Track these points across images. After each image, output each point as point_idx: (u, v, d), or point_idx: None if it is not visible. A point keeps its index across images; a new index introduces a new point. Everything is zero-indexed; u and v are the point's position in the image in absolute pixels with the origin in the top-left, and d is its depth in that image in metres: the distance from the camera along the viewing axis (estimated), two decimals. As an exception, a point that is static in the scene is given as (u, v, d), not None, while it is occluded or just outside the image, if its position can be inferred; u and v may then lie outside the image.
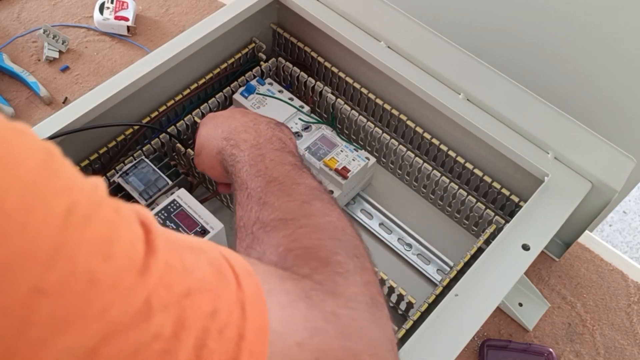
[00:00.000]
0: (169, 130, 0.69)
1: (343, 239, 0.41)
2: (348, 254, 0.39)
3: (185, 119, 0.70)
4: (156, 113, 0.69)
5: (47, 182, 0.22)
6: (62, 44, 0.89)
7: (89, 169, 0.66)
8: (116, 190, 0.65)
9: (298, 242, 0.40)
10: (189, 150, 0.68)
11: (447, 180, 0.67)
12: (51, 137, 0.60)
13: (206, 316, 0.25)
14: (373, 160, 0.69)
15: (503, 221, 0.65)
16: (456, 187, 0.67)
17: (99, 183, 0.26)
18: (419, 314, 0.58)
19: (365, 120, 0.71)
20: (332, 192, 0.66)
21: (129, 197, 0.64)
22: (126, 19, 0.91)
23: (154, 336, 0.24)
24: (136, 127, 0.68)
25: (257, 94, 0.72)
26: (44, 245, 0.21)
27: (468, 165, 0.67)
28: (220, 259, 0.28)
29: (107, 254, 0.23)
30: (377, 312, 0.36)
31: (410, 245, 0.68)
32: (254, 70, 0.75)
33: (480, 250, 0.60)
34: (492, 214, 0.65)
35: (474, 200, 0.66)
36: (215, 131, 0.56)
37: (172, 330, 0.24)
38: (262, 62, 0.76)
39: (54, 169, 0.23)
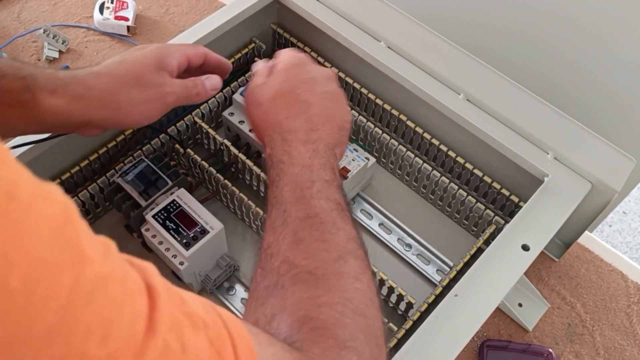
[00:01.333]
0: (168, 130, 0.69)
1: (368, 315, 0.39)
2: (367, 339, 0.38)
3: (185, 119, 0.70)
4: (156, 113, 0.69)
5: (56, 257, 0.21)
6: (62, 43, 0.89)
7: (89, 169, 0.66)
8: (116, 191, 0.65)
9: (320, 311, 0.38)
10: (188, 150, 0.68)
11: (447, 181, 0.67)
12: (51, 137, 0.60)
13: None
14: (373, 160, 0.69)
15: (503, 221, 0.65)
16: (456, 187, 0.67)
17: (110, 246, 0.25)
18: (418, 314, 0.58)
19: (365, 120, 0.71)
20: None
21: (128, 197, 0.64)
22: (126, 19, 0.91)
23: None
24: (136, 127, 0.68)
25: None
26: (41, 328, 0.21)
27: (468, 165, 0.67)
28: (223, 336, 0.27)
29: (105, 335, 0.22)
30: None
31: (410, 246, 0.68)
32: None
33: (480, 251, 0.60)
34: (492, 214, 0.65)
35: (474, 200, 0.66)
36: (280, 111, 0.50)
37: None
38: (262, 62, 0.76)
39: (65, 240, 0.22)
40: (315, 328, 0.37)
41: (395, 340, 0.56)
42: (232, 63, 0.75)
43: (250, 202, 0.64)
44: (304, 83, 0.53)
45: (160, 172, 0.64)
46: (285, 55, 0.56)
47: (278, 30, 0.79)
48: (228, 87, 0.73)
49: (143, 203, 0.62)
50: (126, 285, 0.24)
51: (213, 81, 0.58)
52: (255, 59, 0.78)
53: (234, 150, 0.68)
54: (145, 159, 0.65)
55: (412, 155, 0.69)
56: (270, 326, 0.38)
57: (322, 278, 0.40)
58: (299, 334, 0.36)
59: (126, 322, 0.23)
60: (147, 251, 0.65)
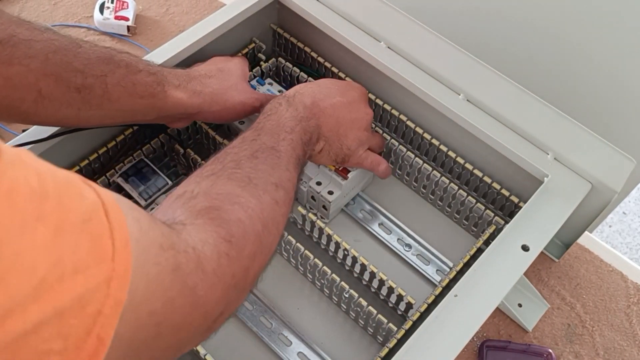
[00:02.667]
0: (168, 130, 0.69)
1: (270, 229, 0.45)
2: (253, 243, 0.43)
3: (185, 119, 0.70)
4: (156, 113, 0.69)
5: None
6: (62, 43, 0.89)
7: (89, 169, 0.66)
8: (116, 190, 0.65)
9: (232, 207, 0.43)
10: (188, 150, 0.68)
11: (447, 181, 0.67)
12: (51, 137, 0.60)
13: (73, 297, 0.25)
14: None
15: (503, 222, 0.65)
16: (456, 187, 0.67)
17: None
18: (418, 314, 0.58)
19: (368, 126, 0.71)
20: (331, 192, 0.66)
21: (128, 197, 0.64)
22: (126, 19, 0.91)
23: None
24: (136, 127, 0.68)
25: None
26: None
27: (468, 165, 0.67)
28: (104, 230, 0.28)
29: None
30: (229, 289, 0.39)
31: (409, 246, 0.68)
32: (254, 71, 0.75)
33: (479, 251, 0.60)
34: (492, 214, 0.65)
35: (474, 200, 0.66)
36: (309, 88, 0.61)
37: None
38: (262, 63, 0.76)
39: None
40: (216, 218, 0.41)
41: (394, 341, 0.56)
42: (232, 63, 0.76)
43: (250, 202, 0.64)
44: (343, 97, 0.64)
45: (160, 172, 0.64)
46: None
47: (278, 30, 0.79)
48: (228, 87, 0.73)
49: (143, 203, 0.63)
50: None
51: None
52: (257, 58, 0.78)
53: (233, 150, 0.68)
54: (145, 159, 0.65)
55: (412, 156, 0.69)
56: (189, 203, 0.43)
57: (254, 186, 0.46)
58: (197, 219, 0.41)
59: None
60: (146, 251, 0.65)
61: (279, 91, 0.72)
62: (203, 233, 0.39)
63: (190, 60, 0.69)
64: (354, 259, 0.62)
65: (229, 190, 0.45)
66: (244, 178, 0.46)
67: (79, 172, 0.65)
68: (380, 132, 0.70)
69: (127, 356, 0.30)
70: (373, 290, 0.64)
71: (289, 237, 0.62)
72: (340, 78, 0.74)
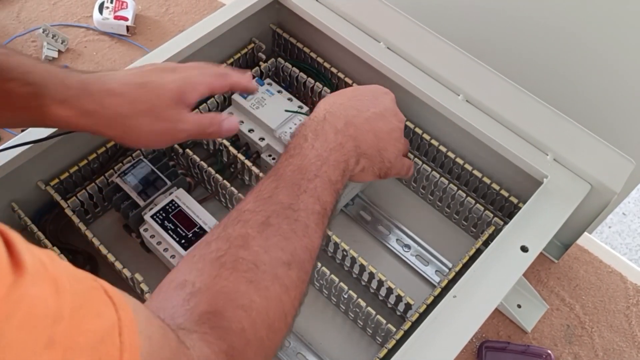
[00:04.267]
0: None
1: (274, 329, 0.42)
2: (255, 355, 0.40)
3: (184, 119, 0.70)
4: (155, 113, 0.69)
5: None
6: (62, 43, 0.89)
7: (88, 169, 0.66)
8: (114, 191, 0.65)
9: (235, 313, 0.40)
10: (187, 150, 0.68)
11: (446, 182, 0.67)
12: (50, 137, 0.60)
13: None
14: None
15: (502, 222, 0.65)
16: (455, 188, 0.67)
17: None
18: (417, 315, 0.58)
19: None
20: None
21: (127, 198, 0.64)
22: (125, 19, 0.91)
23: None
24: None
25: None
26: None
27: (467, 166, 0.67)
28: (115, 352, 0.27)
29: None
30: None
31: (408, 246, 0.68)
32: (253, 71, 0.75)
33: (479, 252, 0.60)
34: (491, 215, 0.65)
35: (473, 201, 0.66)
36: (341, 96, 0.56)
37: None
38: (261, 63, 0.76)
39: None
40: (217, 328, 0.39)
41: (393, 341, 0.56)
42: (231, 63, 0.75)
43: (249, 202, 0.64)
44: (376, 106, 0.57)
45: (159, 172, 0.64)
46: None
47: (278, 30, 0.79)
48: (227, 87, 0.73)
49: (142, 203, 0.62)
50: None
51: (231, 125, 0.58)
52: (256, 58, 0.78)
53: (233, 150, 0.68)
54: (144, 159, 0.65)
55: (411, 156, 0.69)
56: (190, 302, 0.39)
57: (260, 277, 0.42)
58: (199, 326, 0.38)
59: None
60: (145, 251, 0.65)
61: (278, 91, 0.72)
62: (206, 348, 0.37)
63: (190, 60, 0.69)
64: (353, 260, 0.62)
65: (233, 288, 0.41)
66: (250, 266, 0.42)
67: (78, 172, 0.65)
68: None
69: None
70: (372, 290, 0.64)
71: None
72: (339, 78, 0.74)
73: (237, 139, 0.72)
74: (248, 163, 0.66)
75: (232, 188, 0.65)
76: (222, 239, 0.43)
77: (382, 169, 0.56)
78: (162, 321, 0.35)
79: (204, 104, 0.71)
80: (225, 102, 0.74)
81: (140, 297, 0.58)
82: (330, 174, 0.49)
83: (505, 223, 0.63)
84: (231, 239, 0.43)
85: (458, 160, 0.68)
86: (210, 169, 0.66)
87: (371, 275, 0.61)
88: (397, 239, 0.69)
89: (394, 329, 0.57)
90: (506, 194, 0.65)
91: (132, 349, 0.28)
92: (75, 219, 0.62)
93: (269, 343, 0.41)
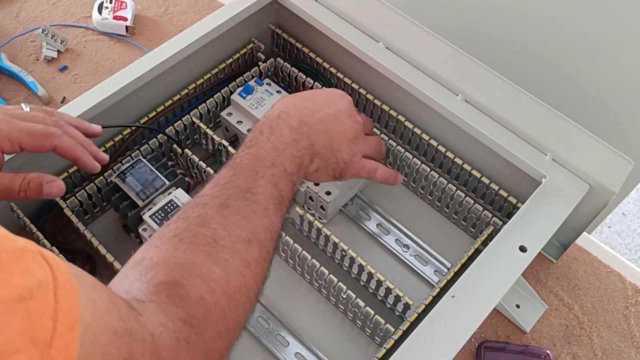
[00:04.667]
0: (166, 130, 0.69)
1: (236, 300, 0.41)
2: (217, 323, 0.40)
3: (183, 119, 0.70)
4: (154, 113, 0.69)
5: None
6: (61, 43, 0.89)
7: (87, 169, 0.66)
8: (113, 191, 0.65)
9: (193, 282, 0.39)
10: (186, 150, 0.68)
11: (445, 182, 0.67)
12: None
13: None
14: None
15: (501, 222, 0.65)
16: (454, 188, 0.67)
17: None
18: (415, 315, 0.58)
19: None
20: (329, 193, 0.66)
21: (126, 198, 0.64)
22: (125, 19, 0.91)
23: None
24: (134, 128, 0.68)
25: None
26: None
27: (466, 166, 0.67)
28: (47, 310, 0.26)
29: None
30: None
31: (407, 247, 0.68)
32: (252, 71, 0.75)
33: (477, 252, 0.60)
34: (490, 215, 0.65)
35: (472, 201, 0.66)
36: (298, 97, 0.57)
37: None
38: (260, 63, 0.76)
39: None
40: (175, 296, 0.38)
41: (392, 341, 0.56)
42: (231, 63, 0.75)
43: (248, 202, 0.64)
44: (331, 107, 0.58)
45: (157, 172, 0.64)
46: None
47: (277, 30, 0.79)
48: (226, 88, 0.73)
49: (140, 203, 0.62)
50: None
51: (53, 189, 0.54)
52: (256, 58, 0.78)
53: (232, 150, 0.68)
54: (143, 159, 0.65)
55: (410, 156, 0.69)
56: (147, 275, 0.39)
57: (218, 249, 0.42)
58: (155, 296, 0.38)
59: None
60: (144, 251, 0.65)
61: (277, 91, 0.72)
62: (163, 315, 0.37)
63: (189, 60, 0.69)
64: (352, 260, 0.62)
65: (191, 260, 0.41)
66: (209, 241, 0.42)
67: (77, 172, 0.65)
68: (379, 132, 0.70)
69: None
70: (371, 291, 0.64)
71: (287, 237, 0.62)
72: (338, 78, 0.74)
73: (236, 139, 0.72)
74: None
75: (231, 188, 0.65)
76: (180, 220, 0.44)
77: (336, 169, 0.57)
78: (111, 290, 0.34)
79: (203, 104, 0.71)
80: (224, 102, 0.74)
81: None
82: (286, 165, 0.50)
83: (504, 223, 0.63)
84: (189, 219, 0.43)
85: (457, 160, 0.68)
86: (209, 169, 0.66)
87: (370, 275, 0.61)
88: (396, 239, 0.69)
89: (393, 329, 0.57)
90: (505, 194, 0.65)
91: (69, 310, 0.26)
92: (74, 219, 0.62)
93: (231, 314, 0.41)
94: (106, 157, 0.59)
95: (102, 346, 0.29)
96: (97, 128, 0.60)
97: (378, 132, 0.70)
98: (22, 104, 0.56)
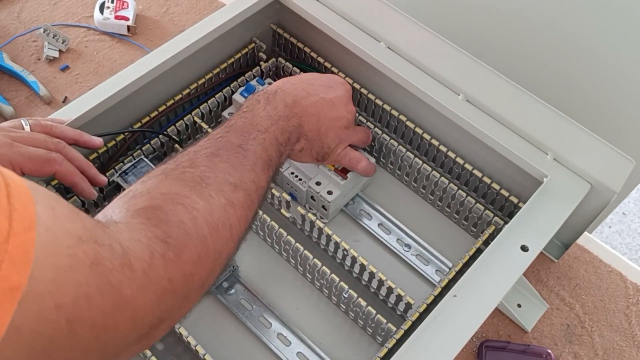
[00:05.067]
0: (168, 130, 0.69)
1: (219, 232, 0.41)
2: (196, 248, 0.39)
3: (185, 119, 0.71)
4: (156, 113, 0.69)
5: None
6: (62, 43, 0.89)
7: (89, 169, 0.66)
8: (115, 190, 0.65)
9: (173, 208, 0.39)
10: (188, 150, 0.68)
11: (447, 181, 0.67)
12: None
13: None
14: (372, 160, 0.69)
15: (502, 222, 0.65)
16: (455, 187, 0.67)
17: None
18: (417, 314, 0.58)
19: (364, 120, 0.71)
20: (331, 192, 0.66)
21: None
22: (126, 19, 0.91)
23: None
24: (136, 128, 0.68)
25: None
26: None
27: (467, 166, 0.67)
28: (1, 211, 0.26)
29: None
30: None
31: (409, 246, 0.68)
32: (253, 71, 0.75)
33: (479, 251, 0.60)
34: (491, 214, 0.65)
35: (473, 201, 0.66)
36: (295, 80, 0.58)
37: None
38: (262, 62, 0.76)
39: None
40: (153, 218, 0.38)
41: (393, 341, 0.56)
42: (232, 63, 0.76)
43: (249, 202, 0.64)
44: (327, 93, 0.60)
45: (159, 172, 0.64)
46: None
47: (278, 30, 0.79)
48: (228, 87, 0.73)
49: (142, 203, 0.63)
50: None
51: None
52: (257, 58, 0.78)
53: (233, 150, 0.68)
54: (145, 159, 0.65)
55: (412, 156, 0.69)
56: (129, 202, 0.39)
57: (205, 186, 0.42)
58: (133, 219, 0.37)
59: None
60: (146, 251, 0.65)
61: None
62: (136, 232, 0.36)
63: (190, 60, 0.70)
64: (354, 259, 0.62)
65: (175, 191, 0.41)
66: (195, 178, 0.42)
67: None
68: (380, 132, 0.70)
69: (35, 352, 0.28)
70: (372, 290, 0.64)
71: (289, 237, 0.62)
72: (340, 78, 0.74)
73: (237, 139, 0.72)
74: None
75: (233, 188, 0.65)
76: (170, 162, 0.45)
77: (320, 153, 0.60)
78: (73, 206, 0.33)
79: (205, 104, 0.72)
80: (226, 102, 0.74)
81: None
82: (278, 135, 0.52)
83: (506, 222, 0.63)
84: (178, 162, 0.44)
85: (458, 160, 0.68)
86: (210, 168, 0.66)
87: (371, 275, 0.61)
88: (397, 239, 0.69)
89: (394, 329, 0.58)
90: (506, 194, 0.65)
91: (24, 212, 0.27)
92: (76, 219, 0.62)
93: (212, 244, 0.40)
94: (105, 179, 0.61)
95: (64, 248, 0.29)
96: (97, 141, 0.61)
97: (379, 132, 0.70)
98: (22, 121, 0.57)
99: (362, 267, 0.62)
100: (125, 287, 0.33)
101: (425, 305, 0.58)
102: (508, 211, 0.67)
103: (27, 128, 0.56)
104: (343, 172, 0.66)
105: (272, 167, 0.50)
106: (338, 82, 0.62)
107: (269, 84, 0.73)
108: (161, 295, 0.36)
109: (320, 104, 0.58)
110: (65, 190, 0.60)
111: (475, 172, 0.67)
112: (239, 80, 0.74)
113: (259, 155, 0.49)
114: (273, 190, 0.65)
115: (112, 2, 0.92)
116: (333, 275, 0.60)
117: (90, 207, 0.66)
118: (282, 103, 0.55)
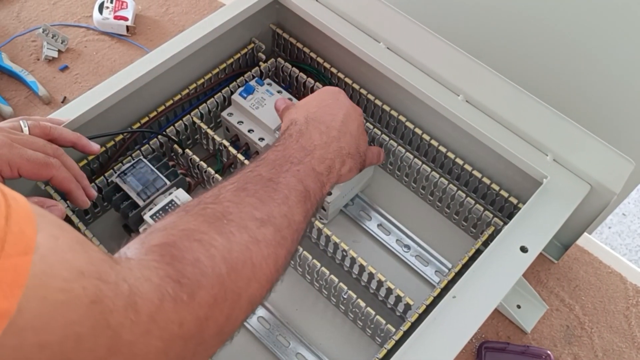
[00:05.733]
0: (167, 130, 0.69)
1: (239, 272, 0.38)
2: (212, 290, 0.36)
3: (184, 119, 0.70)
4: (155, 113, 0.69)
5: None
6: (62, 43, 0.89)
7: (87, 169, 0.66)
8: (114, 191, 0.65)
9: (189, 245, 0.36)
10: (187, 150, 0.68)
11: (446, 182, 0.67)
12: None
13: None
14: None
15: (501, 223, 0.65)
16: (455, 188, 0.67)
17: None
18: (416, 315, 0.58)
19: (364, 121, 0.71)
20: (330, 193, 0.66)
21: (126, 198, 0.64)
22: (125, 19, 0.91)
23: None
24: (135, 128, 0.68)
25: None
26: None
27: (467, 166, 0.67)
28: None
29: None
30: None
31: (408, 247, 0.68)
32: (253, 71, 0.75)
33: (478, 252, 0.60)
34: (491, 215, 0.65)
35: (473, 201, 0.66)
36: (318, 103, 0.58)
37: None
38: (261, 63, 0.76)
39: None
40: (167, 255, 0.35)
41: (393, 342, 0.56)
42: (231, 63, 0.75)
43: (248, 202, 0.64)
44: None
45: (158, 172, 0.64)
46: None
47: (277, 30, 0.79)
48: (227, 88, 0.73)
49: (141, 203, 0.62)
50: None
51: (55, 212, 0.55)
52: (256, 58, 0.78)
53: (232, 150, 0.68)
54: (144, 159, 0.65)
55: (411, 157, 0.69)
56: (145, 239, 0.37)
57: (225, 222, 0.39)
58: (146, 256, 0.35)
59: None
60: (145, 251, 0.65)
61: (278, 92, 0.72)
62: (147, 270, 0.33)
63: (190, 60, 0.69)
64: (353, 260, 0.62)
65: (192, 227, 0.38)
66: (216, 214, 0.40)
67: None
68: (380, 132, 0.70)
69: None
70: (372, 291, 0.64)
71: (288, 237, 0.62)
72: (339, 78, 0.74)
73: (237, 139, 0.72)
74: (248, 163, 0.66)
75: (232, 188, 0.65)
76: (194, 200, 0.42)
77: (361, 163, 0.60)
78: (83, 237, 0.31)
79: (204, 104, 0.71)
80: (225, 102, 0.74)
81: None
82: (315, 164, 0.50)
83: (505, 223, 0.63)
84: (202, 198, 0.42)
85: (458, 160, 0.68)
86: (210, 169, 0.66)
87: (371, 276, 0.61)
88: (396, 240, 0.69)
89: (394, 330, 0.57)
90: (506, 195, 0.65)
91: (20, 235, 0.25)
92: (75, 219, 0.62)
93: (231, 285, 0.37)
94: (95, 193, 0.60)
95: (59, 281, 0.27)
96: (95, 147, 0.60)
97: (379, 132, 0.70)
98: (21, 121, 0.57)
99: (362, 268, 0.62)
100: (126, 331, 0.30)
101: (424, 306, 0.58)
102: (508, 212, 0.67)
103: (26, 128, 0.56)
104: (342, 172, 0.66)
105: (309, 200, 0.47)
106: (338, 92, 0.62)
107: (269, 84, 0.73)
108: (169, 342, 0.33)
109: (346, 120, 0.58)
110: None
111: (475, 172, 0.67)
112: (238, 80, 0.74)
113: (293, 187, 0.45)
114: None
115: (112, 2, 0.92)
116: (332, 276, 0.60)
117: (89, 207, 0.66)
118: (316, 132, 0.53)
